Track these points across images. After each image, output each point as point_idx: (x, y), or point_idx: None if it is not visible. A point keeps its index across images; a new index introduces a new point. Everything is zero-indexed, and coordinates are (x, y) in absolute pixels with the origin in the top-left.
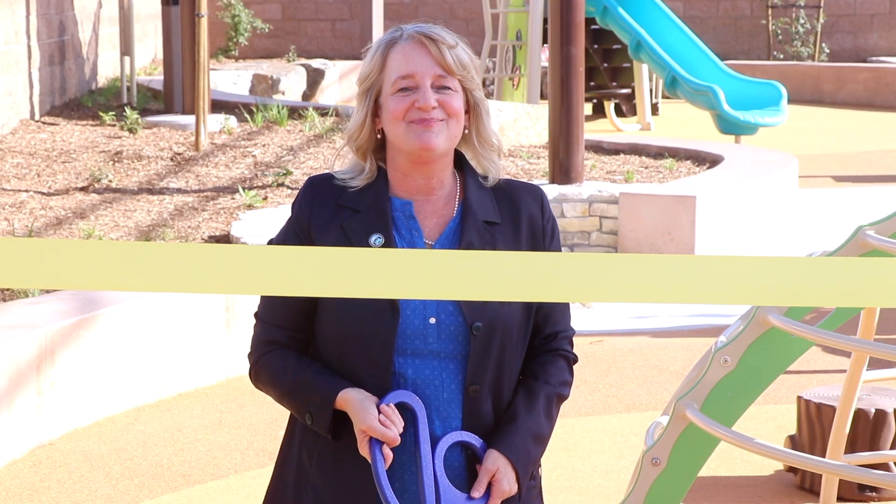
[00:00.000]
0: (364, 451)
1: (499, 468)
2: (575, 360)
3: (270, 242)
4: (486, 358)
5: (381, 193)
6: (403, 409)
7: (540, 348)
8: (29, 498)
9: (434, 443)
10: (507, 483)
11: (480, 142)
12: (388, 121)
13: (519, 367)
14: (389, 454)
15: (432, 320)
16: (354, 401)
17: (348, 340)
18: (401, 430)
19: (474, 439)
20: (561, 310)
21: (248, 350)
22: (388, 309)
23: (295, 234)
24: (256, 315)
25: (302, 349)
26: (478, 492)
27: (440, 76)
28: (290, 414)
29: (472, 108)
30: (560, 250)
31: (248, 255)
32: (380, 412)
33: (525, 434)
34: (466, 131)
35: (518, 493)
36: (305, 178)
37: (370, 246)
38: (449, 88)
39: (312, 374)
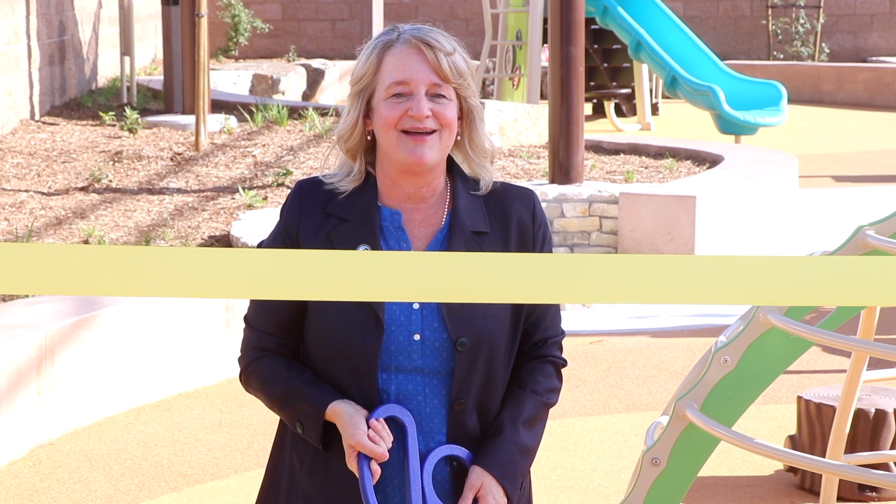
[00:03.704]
0: (352, 465)
1: (483, 484)
2: (564, 364)
3: (261, 243)
4: (471, 373)
5: (370, 202)
6: (393, 422)
7: (529, 354)
8: (29, 498)
9: (421, 458)
10: (493, 499)
11: (473, 148)
12: (380, 127)
13: (507, 379)
14: (377, 470)
15: (417, 337)
16: (344, 414)
17: (333, 354)
18: (390, 445)
19: (463, 452)
20: (551, 315)
21: (239, 354)
22: (374, 325)
23: (283, 240)
24: (246, 319)
25: (292, 355)
26: None
27: (435, 84)
28: (280, 419)
29: (465, 115)
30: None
31: (233, 259)
32: (369, 427)
33: (510, 447)
34: (459, 137)
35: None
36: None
37: None
38: (443, 97)
39: (303, 384)
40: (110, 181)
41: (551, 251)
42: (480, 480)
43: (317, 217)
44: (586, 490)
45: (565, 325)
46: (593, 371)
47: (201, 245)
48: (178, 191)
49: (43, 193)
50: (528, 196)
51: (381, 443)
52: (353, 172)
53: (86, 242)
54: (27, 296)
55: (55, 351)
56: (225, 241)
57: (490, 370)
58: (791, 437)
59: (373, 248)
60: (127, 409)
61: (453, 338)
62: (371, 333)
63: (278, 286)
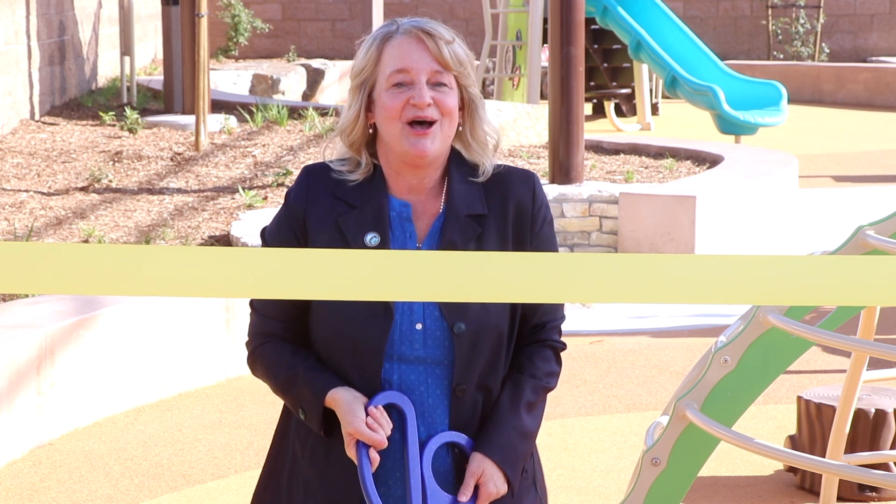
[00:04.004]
0: (351, 453)
1: (484, 470)
2: (563, 348)
3: (263, 231)
4: (472, 361)
5: (380, 191)
6: (393, 409)
7: (527, 338)
8: (29, 498)
9: (420, 446)
10: (494, 485)
11: (474, 138)
12: (383, 118)
13: (508, 364)
14: (376, 457)
15: (419, 326)
16: (342, 402)
17: (338, 343)
18: (388, 432)
19: (462, 439)
20: None
21: (246, 339)
22: (381, 313)
23: (289, 224)
24: (252, 304)
25: (298, 340)
26: (465, 495)
27: (436, 72)
28: (284, 405)
29: (466, 105)
30: (553, 237)
31: (238, 258)
32: (368, 414)
33: (510, 432)
34: (461, 128)
35: (511, 492)
36: None
37: (365, 244)
38: (444, 85)
39: (305, 370)
40: (110, 181)
41: (552, 232)
42: (481, 467)
43: (325, 201)
44: (586, 490)
45: (565, 325)
46: (593, 371)
47: (201, 245)
48: (178, 191)
49: (43, 193)
50: (529, 177)
51: (379, 430)
52: (362, 166)
53: (86, 242)
54: (27, 295)
55: (55, 351)
56: (225, 241)
57: (490, 357)
58: (791, 437)
59: (381, 238)
60: (127, 409)
61: (450, 324)
62: (378, 321)
63: (283, 286)
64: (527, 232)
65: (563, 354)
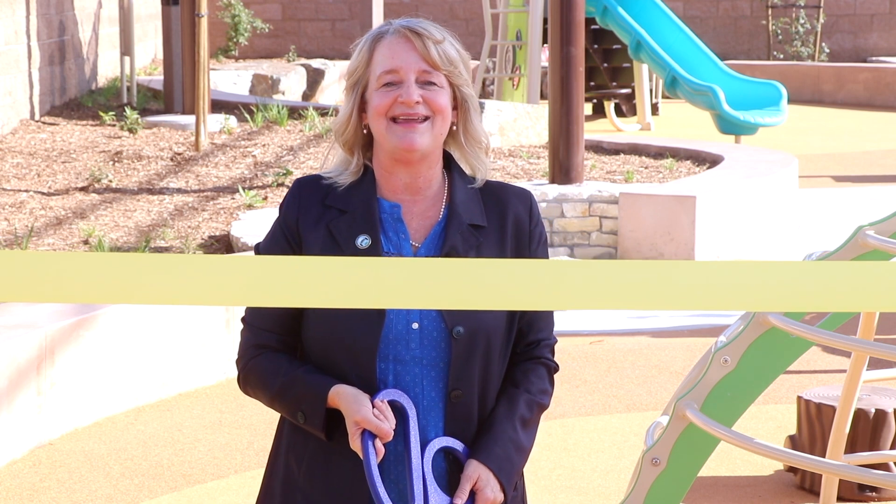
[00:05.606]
0: (356, 444)
1: (480, 476)
2: (556, 369)
3: (258, 245)
4: (468, 364)
5: (369, 194)
6: (392, 408)
7: (522, 355)
8: (29, 498)
9: (422, 446)
10: (492, 491)
11: (468, 139)
12: (372, 116)
13: (503, 373)
14: (381, 449)
15: (415, 325)
16: (347, 394)
17: (332, 344)
18: (393, 426)
19: (459, 446)
20: (545, 317)
21: (237, 356)
22: (374, 313)
23: (283, 235)
24: (244, 320)
25: (291, 353)
26: (460, 499)
27: (425, 71)
28: (278, 422)
29: (459, 105)
30: (547, 256)
31: (232, 266)
32: (374, 406)
33: (506, 443)
34: (455, 128)
35: (504, 502)
36: None
37: (357, 247)
38: (434, 84)
39: (303, 373)
40: (110, 181)
41: (547, 252)
42: (477, 473)
43: (316, 210)
44: (586, 490)
45: (566, 324)
46: (593, 371)
47: (201, 245)
48: (178, 191)
49: (43, 193)
50: (525, 195)
51: (385, 421)
52: (352, 167)
53: (86, 242)
54: None
55: (55, 351)
56: (225, 241)
57: (486, 361)
58: (791, 437)
59: (372, 240)
60: (127, 409)
61: (450, 327)
62: (371, 320)
63: (278, 294)
64: (525, 249)
65: (562, 355)
